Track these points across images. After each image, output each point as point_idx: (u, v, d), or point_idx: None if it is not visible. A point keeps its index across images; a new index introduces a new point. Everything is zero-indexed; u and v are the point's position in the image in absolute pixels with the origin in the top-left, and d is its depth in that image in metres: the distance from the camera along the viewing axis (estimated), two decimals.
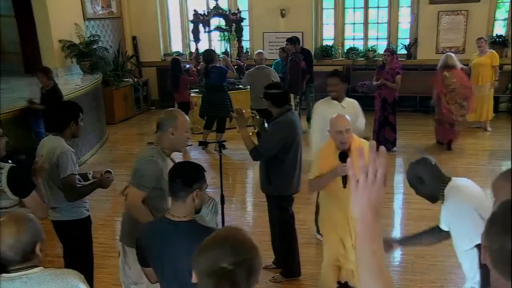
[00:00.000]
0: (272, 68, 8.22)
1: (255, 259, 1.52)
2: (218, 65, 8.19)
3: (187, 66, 9.26)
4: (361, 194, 1.26)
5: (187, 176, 2.41)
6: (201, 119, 8.69)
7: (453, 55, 7.92)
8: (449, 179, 2.87)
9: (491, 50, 8.83)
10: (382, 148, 1.26)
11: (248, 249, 1.52)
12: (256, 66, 8.15)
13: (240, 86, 9.48)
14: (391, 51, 8.06)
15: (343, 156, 3.40)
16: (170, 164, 3.01)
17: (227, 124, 8.34)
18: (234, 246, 1.51)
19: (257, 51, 8.40)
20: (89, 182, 3.65)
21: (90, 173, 3.72)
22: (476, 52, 8.77)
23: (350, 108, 4.54)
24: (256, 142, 4.21)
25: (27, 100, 6.70)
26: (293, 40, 8.72)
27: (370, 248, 1.26)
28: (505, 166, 7.15)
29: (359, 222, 1.27)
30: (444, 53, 9.18)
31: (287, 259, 4.43)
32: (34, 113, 6.67)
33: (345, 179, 3.49)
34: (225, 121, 8.19)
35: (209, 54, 8.19)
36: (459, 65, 7.82)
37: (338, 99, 4.58)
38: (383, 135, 7.84)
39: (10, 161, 3.09)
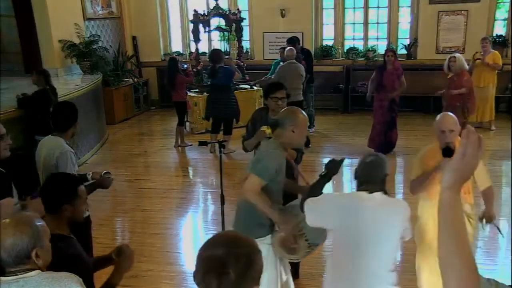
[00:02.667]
0: (299, 64, 8.05)
1: (251, 254, 1.53)
2: (224, 65, 8.13)
3: (185, 66, 9.22)
4: (458, 164, 1.29)
5: (55, 191, 2.51)
6: (207, 120, 8.52)
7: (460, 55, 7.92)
8: (364, 188, 2.80)
9: (493, 50, 8.81)
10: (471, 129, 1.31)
11: (245, 244, 1.54)
12: (288, 61, 8.02)
13: (242, 86, 9.48)
14: (394, 51, 8.04)
15: (448, 151, 3.12)
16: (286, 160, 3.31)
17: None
18: (230, 239, 1.56)
19: (289, 48, 8.27)
20: (88, 182, 3.65)
21: (89, 174, 3.71)
22: (478, 51, 8.74)
23: None
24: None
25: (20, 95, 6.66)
26: (293, 40, 8.69)
27: (456, 215, 1.29)
28: (505, 166, 7.15)
29: (447, 189, 1.29)
30: (444, 53, 9.21)
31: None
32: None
33: None
34: (232, 122, 8.12)
35: (217, 54, 8.14)
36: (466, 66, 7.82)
37: None
38: (390, 137, 7.78)
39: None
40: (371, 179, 2.80)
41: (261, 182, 3.13)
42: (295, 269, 4.41)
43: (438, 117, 3.39)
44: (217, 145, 4.57)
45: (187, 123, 9.58)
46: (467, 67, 7.67)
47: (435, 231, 3.35)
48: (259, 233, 3.21)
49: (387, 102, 7.65)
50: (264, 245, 3.20)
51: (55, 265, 2.16)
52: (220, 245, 1.52)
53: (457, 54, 7.87)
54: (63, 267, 2.14)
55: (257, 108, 9.48)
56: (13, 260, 1.94)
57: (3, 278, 1.95)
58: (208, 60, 8.75)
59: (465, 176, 1.30)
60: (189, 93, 9.23)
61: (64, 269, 2.13)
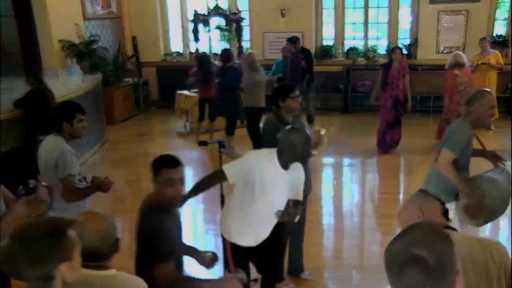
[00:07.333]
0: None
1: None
2: (234, 65, 8.11)
3: None
4: None
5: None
6: (211, 121, 8.55)
7: (461, 53, 7.90)
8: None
9: (494, 50, 8.79)
10: None
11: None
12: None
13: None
14: (401, 49, 8.05)
15: None
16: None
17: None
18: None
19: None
20: (87, 185, 3.62)
21: (89, 178, 3.68)
22: (477, 52, 8.73)
23: None
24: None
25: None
26: (292, 40, 8.71)
27: None
28: (505, 166, 7.14)
29: None
30: (444, 53, 9.19)
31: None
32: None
33: None
34: (236, 123, 8.11)
35: (227, 53, 8.15)
36: (468, 64, 7.81)
37: None
38: (391, 136, 7.77)
39: None
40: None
41: (452, 156, 3.52)
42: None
43: None
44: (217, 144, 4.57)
45: (187, 123, 9.59)
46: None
47: None
48: (444, 199, 3.46)
49: (391, 100, 7.64)
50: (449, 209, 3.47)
51: None
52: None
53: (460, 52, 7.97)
54: None
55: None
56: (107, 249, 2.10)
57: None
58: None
59: None
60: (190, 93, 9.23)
61: None
